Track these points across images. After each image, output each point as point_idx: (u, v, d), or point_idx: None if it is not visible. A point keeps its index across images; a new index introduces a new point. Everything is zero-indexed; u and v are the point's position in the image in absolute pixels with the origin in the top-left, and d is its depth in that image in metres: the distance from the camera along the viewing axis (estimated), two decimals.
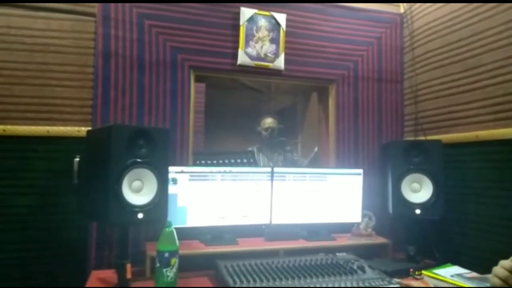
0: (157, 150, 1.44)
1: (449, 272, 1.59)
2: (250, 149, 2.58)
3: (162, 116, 1.87)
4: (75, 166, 1.66)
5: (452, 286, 1.47)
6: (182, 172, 1.73)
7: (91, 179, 1.47)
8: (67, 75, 1.73)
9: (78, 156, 1.66)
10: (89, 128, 1.68)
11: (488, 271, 1.56)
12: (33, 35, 1.69)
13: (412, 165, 1.79)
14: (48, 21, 1.71)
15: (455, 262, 1.71)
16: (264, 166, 2.42)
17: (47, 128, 1.69)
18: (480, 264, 1.68)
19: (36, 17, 1.70)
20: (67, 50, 1.74)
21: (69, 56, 1.74)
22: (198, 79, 2.01)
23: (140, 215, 1.37)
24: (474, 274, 1.56)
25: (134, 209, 1.36)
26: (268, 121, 2.65)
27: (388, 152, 1.85)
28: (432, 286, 1.50)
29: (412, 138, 2.18)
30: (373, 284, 1.42)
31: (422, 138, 2.08)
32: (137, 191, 1.41)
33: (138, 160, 1.39)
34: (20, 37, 1.68)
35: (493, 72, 1.72)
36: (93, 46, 1.78)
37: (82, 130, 1.70)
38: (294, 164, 2.55)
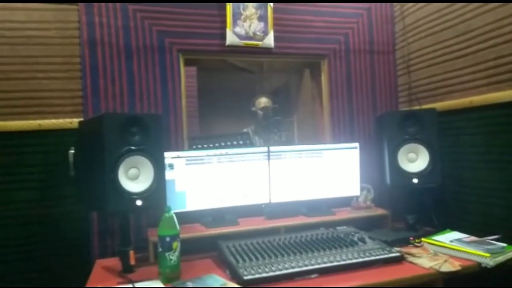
0: (151, 137, 1.43)
1: (448, 237, 1.61)
2: (245, 130, 2.57)
3: (154, 102, 1.85)
4: (71, 158, 1.65)
5: (452, 250, 1.49)
6: (178, 157, 1.72)
7: (87, 169, 1.47)
8: (53, 67, 1.70)
9: (72, 148, 1.65)
10: (81, 119, 1.66)
11: (486, 234, 1.59)
12: (14, 27, 1.65)
13: (408, 135, 1.79)
14: (29, 13, 1.67)
15: (454, 228, 1.73)
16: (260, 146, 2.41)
17: (39, 122, 1.68)
18: (479, 228, 1.71)
19: (15, 9, 1.65)
20: (51, 41, 1.70)
21: (53, 47, 1.70)
22: (188, 63, 1.98)
23: (138, 202, 1.37)
24: (473, 238, 1.58)
25: (132, 196, 1.37)
26: (263, 101, 2.63)
27: (383, 123, 1.84)
28: (432, 252, 1.52)
29: (407, 108, 2.17)
30: (374, 254, 1.44)
31: (417, 107, 2.07)
32: (134, 178, 1.41)
33: (133, 147, 1.38)
34: (1, 31, 1.64)
35: (484, 36, 1.70)
36: (77, 35, 1.74)
37: (74, 121, 1.68)
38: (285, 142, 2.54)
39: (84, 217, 1.72)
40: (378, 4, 2.23)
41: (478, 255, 1.41)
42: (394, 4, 2.25)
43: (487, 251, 1.41)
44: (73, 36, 1.74)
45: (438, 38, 1.96)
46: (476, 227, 1.72)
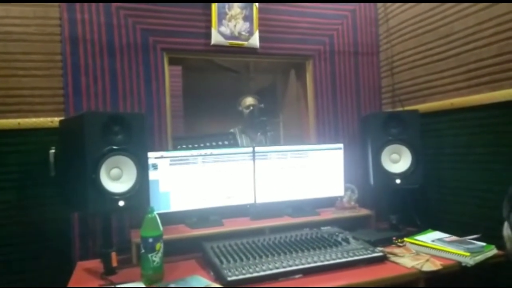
0: (134, 136, 1.41)
1: (430, 237, 1.63)
2: (232, 130, 2.56)
3: (138, 101, 1.83)
4: (51, 158, 1.62)
5: (433, 249, 1.52)
6: (162, 157, 1.70)
7: (68, 169, 1.44)
8: (33, 64, 1.66)
9: (53, 147, 1.62)
10: (62, 118, 1.62)
11: (467, 234, 1.62)
12: None
13: (391, 136, 1.81)
14: (7, 8, 1.62)
15: (435, 228, 1.76)
16: (247, 146, 2.41)
17: (18, 120, 1.63)
18: (459, 227, 1.74)
19: None
20: (31, 38, 1.66)
21: (34, 44, 1.66)
22: (172, 62, 1.96)
23: (121, 203, 1.35)
24: (454, 238, 1.61)
25: (114, 197, 1.34)
26: (249, 100, 2.62)
27: (367, 124, 1.87)
28: (414, 251, 1.54)
29: (390, 110, 2.20)
30: (357, 254, 1.45)
31: (400, 109, 2.10)
32: (116, 178, 1.38)
33: (115, 147, 1.36)
34: None
35: (465, 39, 1.74)
36: (59, 32, 1.70)
37: (55, 120, 1.64)
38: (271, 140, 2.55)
39: (65, 218, 1.68)
40: (363, 6, 2.25)
41: (459, 254, 1.44)
42: (378, 6, 2.28)
43: (467, 250, 1.44)
44: (54, 33, 1.70)
45: (420, 40, 1.99)
46: (457, 227, 1.75)
